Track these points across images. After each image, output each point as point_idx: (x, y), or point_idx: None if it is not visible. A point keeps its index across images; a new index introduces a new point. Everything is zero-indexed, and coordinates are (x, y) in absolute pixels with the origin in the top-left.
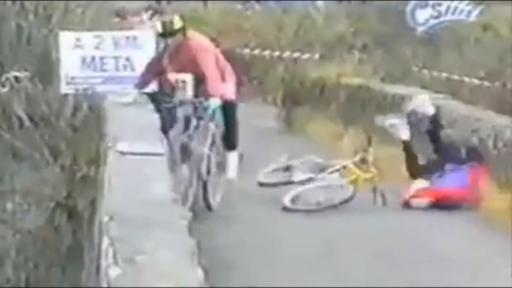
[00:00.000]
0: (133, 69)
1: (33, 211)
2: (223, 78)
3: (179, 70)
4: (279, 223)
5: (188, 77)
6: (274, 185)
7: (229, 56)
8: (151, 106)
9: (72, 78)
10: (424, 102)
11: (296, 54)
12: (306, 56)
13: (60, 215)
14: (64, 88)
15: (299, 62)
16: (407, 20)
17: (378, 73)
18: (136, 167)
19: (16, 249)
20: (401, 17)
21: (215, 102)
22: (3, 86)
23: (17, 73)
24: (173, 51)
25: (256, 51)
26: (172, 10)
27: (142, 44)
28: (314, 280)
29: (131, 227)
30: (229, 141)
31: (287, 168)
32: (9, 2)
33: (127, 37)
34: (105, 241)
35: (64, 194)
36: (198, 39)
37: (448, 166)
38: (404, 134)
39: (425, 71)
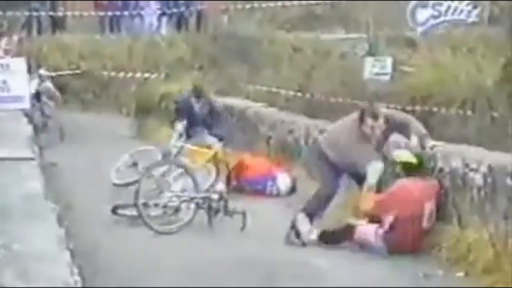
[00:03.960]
0: (9, 90)
1: None
2: None
3: None
4: None
5: None
6: (126, 185)
7: (90, 76)
8: (24, 120)
9: None
10: None
11: (146, 75)
12: (153, 76)
13: None
14: None
15: (148, 81)
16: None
17: (212, 88)
18: (12, 169)
19: None
20: (231, 40)
21: None
22: None
23: None
24: None
25: (113, 73)
26: (38, 40)
27: (15, 70)
28: None
29: (9, 219)
30: None
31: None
32: None
33: (1, 64)
34: None
35: None
36: None
37: None
38: None
39: (249, 86)
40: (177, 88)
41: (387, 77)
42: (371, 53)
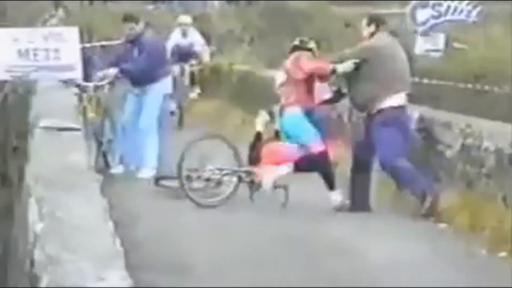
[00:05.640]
0: (60, 59)
1: None
2: None
3: None
4: None
5: None
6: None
7: None
8: (74, 90)
9: (9, 66)
10: None
11: None
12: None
13: None
14: (3, 75)
15: None
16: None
17: (262, 62)
18: (57, 139)
19: None
20: (281, 14)
21: None
22: None
23: None
24: None
25: None
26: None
27: (68, 39)
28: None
29: (53, 189)
30: None
31: None
32: None
33: (54, 33)
34: (31, 201)
35: None
36: None
37: None
38: None
39: None
40: (227, 61)
41: (438, 54)
42: None
